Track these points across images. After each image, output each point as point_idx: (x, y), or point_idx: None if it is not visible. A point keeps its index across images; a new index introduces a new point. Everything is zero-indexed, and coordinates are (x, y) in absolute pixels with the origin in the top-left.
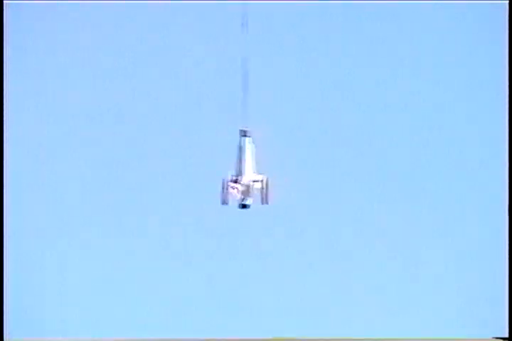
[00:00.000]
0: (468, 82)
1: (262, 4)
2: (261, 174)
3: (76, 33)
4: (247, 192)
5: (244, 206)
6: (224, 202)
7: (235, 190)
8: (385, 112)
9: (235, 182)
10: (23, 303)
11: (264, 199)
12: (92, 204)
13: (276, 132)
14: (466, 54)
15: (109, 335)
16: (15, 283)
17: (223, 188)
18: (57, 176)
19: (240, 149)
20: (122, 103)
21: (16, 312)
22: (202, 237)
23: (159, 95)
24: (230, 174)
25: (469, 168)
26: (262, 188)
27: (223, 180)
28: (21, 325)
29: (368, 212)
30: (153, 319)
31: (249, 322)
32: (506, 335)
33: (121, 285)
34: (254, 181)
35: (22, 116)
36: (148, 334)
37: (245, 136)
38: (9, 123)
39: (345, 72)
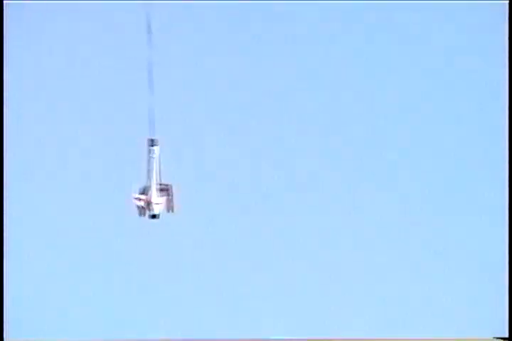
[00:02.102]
0: (468, 82)
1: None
2: (167, 183)
3: (75, 33)
4: (153, 202)
5: (153, 216)
6: (140, 214)
7: (141, 201)
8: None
9: (142, 193)
10: (22, 303)
11: (170, 208)
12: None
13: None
14: (466, 54)
15: (109, 335)
16: (15, 283)
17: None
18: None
19: (148, 159)
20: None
21: (16, 312)
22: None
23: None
24: (139, 185)
25: (469, 168)
26: (168, 196)
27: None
28: (21, 325)
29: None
30: (152, 319)
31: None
32: (506, 335)
33: (121, 285)
34: (160, 190)
35: (22, 115)
36: (148, 335)
37: (153, 145)
38: (9, 123)
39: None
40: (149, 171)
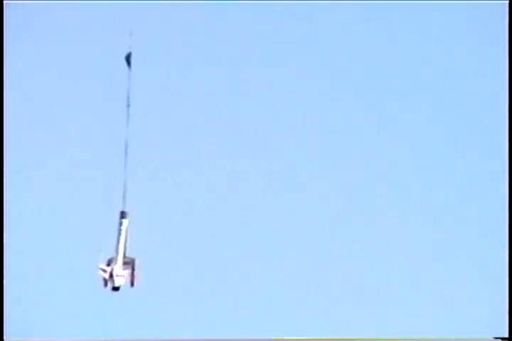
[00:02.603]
0: (468, 81)
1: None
2: (131, 257)
3: (74, 32)
4: (116, 275)
5: (116, 288)
6: (105, 285)
7: (106, 273)
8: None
9: (108, 265)
10: (22, 303)
11: (132, 282)
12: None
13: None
14: (466, 53)
15: (109, 335)
16: (15, 284)
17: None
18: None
19: (118, 232)
20: None
21: (16, 312)
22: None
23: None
24: (106, 257)
25: (469, 168)
26: (131, 270)
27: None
28: (21, 325)
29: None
30: (153, 319)
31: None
32: (506, 335)
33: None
34: (124, 263)
35: (21, 114)
36: (148, 334)
37: (123, 217)
38: (9, 123)
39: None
40: (117, 243)
